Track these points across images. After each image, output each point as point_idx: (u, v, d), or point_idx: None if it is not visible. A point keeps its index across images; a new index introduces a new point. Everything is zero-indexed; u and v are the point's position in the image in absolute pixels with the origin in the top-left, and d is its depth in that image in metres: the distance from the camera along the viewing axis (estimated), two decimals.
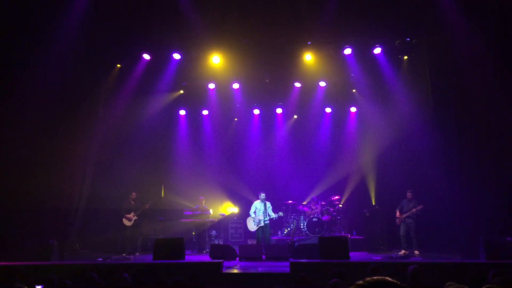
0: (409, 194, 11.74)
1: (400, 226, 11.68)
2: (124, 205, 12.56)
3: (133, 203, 12.65)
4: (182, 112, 15.06)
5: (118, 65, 12.75)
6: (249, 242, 13.28)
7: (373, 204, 13.67)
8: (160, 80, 13.24)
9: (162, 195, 14.80)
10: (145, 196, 13.14)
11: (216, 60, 12.52)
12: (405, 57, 12.60)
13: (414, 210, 11.42)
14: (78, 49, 10.82)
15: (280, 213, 12.14)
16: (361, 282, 2.34)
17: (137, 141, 13.72)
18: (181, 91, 14.41)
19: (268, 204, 12.03)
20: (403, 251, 11.20)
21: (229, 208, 14.80)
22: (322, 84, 13.93)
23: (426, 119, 12.11)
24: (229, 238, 14.30)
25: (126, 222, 12.40)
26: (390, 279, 2.38)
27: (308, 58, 12.52)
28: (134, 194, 12.77)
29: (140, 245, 12.88)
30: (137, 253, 12.27)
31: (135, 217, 12.52)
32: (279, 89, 14.29)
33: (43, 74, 10.56)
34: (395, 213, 11.85)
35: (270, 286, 7.65)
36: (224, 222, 14.26)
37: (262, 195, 12.08)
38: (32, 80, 10.57)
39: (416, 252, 11.12)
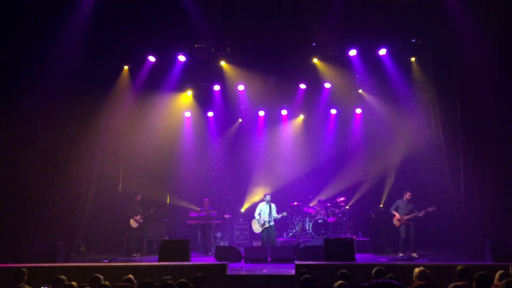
0: (408, 194, 11.53)
1: (399, 229, 11.42)
2: (130, 207, 12.60)
3: (138, 205, 12.68)
4: (188, 114, 15.08)
5: (126, 67, 12.78)
6: (254, 243, 13.27)
7: (381, 206, 13.58)
8: (165, 82, 13.29)
9: (168, 201, 14.79)
10: (149, 200, 13.17)
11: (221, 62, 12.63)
12: (412, 59, 12.53)
13: (422, 212, 11.06)
14: (83, 52, 10.88)
15: (284, 213, 12.10)
16: (365, 284, 2.36)
17: (143, 143, 13.75)
18: (188, 92, 14.39)
19: (273, 206, 12.01)
20: (414, 254, 11.04)
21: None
22: (327, 85, 13.92)
23: (431, 120, 12.08)
24: (234, 240, 14.30)
25: (133, 224, 12.44)
26: (395, 282, 2.38)
27: (313, 60, 12.58)
28: (139, 196, 12.79)
29: (145, 246, 12.92)
30: (138, 254, 12.22)
31: (142, 220, 12.55)
32: (284, 91, 14.28)
33: (49, 77, 10.63)
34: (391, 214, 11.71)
35: None
36: (229, 224, 14.26)
37: (267, 197, 12.08)
38: (38, 82, 10.63)
39: (415, 255, 10.97)
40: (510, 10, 9.83)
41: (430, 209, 11.16)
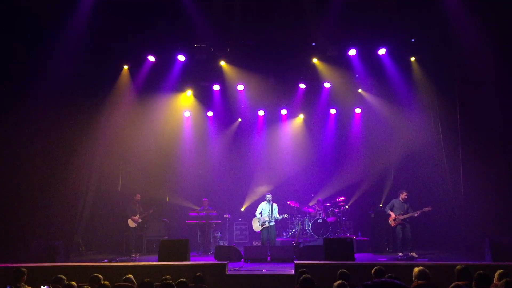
0: (405, 195, 11.48)
1: (395, 228, 11.39)
2: (129, 206, 12.58)
3: (137, 205, 12.65)
4: (187, 114, 15.06)
5: (126, 67, 12.75)
6: (254, 243, 13.27)
7: (381, 205, 13.57)
8: (165, 82, 13.27)
9: (167, 199, 14.77)
10: (149, 200, 13.14)
11: (221, 62, 12.64)
12: (412, 59, 12.51)
13: (418, 212, 11.08)
14: (83, 52, 10.88)
15: (285, 215, 12.10)
16: (368, 282, 2.35)
17: (142, 142, 13.73)
18: (188, 92, 14.34)
19: (275, 206, 12.01)
20: (413, 253, 11.02)
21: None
22: (327, 85, 13.91)
23: (431, 119, 12.09)
24: (234, 240, 14.29)
25: (131, 224, 12.41)
26: (398, 282, 2.38)
27: (313, 59, 12.59)
28: (138, 195, 12.75)
29: (145, 246, 12.91)
30: (138, 254, 12.23)
31: (140, 220, 12.51)
32: (284, 90, 14.27)
33: (48, 77, 10.64)
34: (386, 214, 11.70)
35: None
36: (229, 224, 14.26)
37: (268, 196, 12.09)
38: (39, 82, 10.64)
39: (414, 254, 10.94)
40: (510, 10, 9.83)
41: (425, 209, 11.10)
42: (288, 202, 13.89)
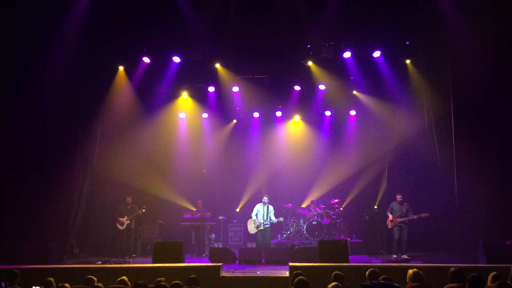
0: (399, 197, 11.53)
1: (392, 230, 11.46)
2: (118, 209, 12.45)
3: (128, 207, 12.50)
4: (182, 115, 15.02)
5: (121, 68, 12.69)
6: (249, 245, 13.24)
7: (375, 207, 13.58)
8: (160, 83, 13.24)
9: (161, 203, 14.66)
10: (142, 201, 13.05)
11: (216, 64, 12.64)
12: (407, 61, 12.54)
13: (416, 216, 11.14)
14: (77, 53, 10.87)
15: (281, 218, 12.09)
16: (367, 283, 2.35)
17: (136, 144, 13.69)
18: (184, 94, 14.28)
19: (271, 208, 11.99)
20: (405, 256, 11.07)
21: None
22: (322, 87, 13.92)
23: (425, 121, 12.13)
24: (229, 242, 14.27)
25: (118, 226, 12.28)
26: (396, 284, 2.39)
27: (308, 61, 12.60)
28: (129, 198, 12.61)
29: (139, 248, 12.84)
30: (134, 255, 12.18)
31: (128, 221, 12.33)
32: (279, 92, 14.27)
33: (45, 77, 10.61)
34: (385, 216, 11.75)
35: None
36: (223, 226, 14.23)
37: (265, 198, 12.04)
38: (35, 83, 10.60)
39: (406, 256, 11.00)
40: (504, 11, 9.88)
41: (423, 215, 11.14)
42: (285, 206, 13.90)
